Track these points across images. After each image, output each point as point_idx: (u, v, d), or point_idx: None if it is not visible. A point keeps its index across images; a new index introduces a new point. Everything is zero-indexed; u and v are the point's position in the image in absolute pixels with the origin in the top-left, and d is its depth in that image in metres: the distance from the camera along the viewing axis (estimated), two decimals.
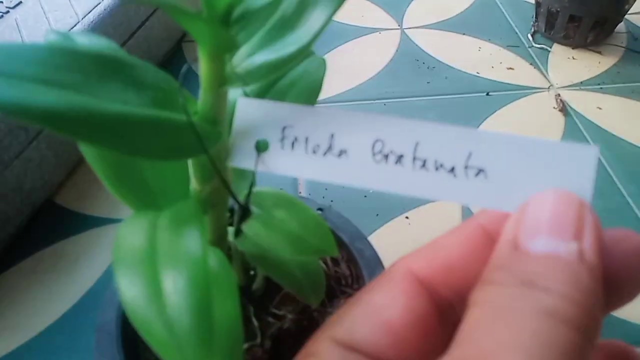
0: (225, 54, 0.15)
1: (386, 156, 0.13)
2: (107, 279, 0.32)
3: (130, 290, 0.12)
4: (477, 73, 0.47)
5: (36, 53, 0.12)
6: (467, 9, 0.55)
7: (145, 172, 0.17)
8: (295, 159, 0.14)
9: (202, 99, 0.15)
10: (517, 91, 0.45)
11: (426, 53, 0.49)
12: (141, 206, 0.17)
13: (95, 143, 0.13)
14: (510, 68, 0.47)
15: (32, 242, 0.34)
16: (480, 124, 0.42)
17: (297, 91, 0.19)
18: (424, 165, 0.13)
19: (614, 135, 0.40)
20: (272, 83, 0.19)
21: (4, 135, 0.31)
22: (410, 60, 0.49)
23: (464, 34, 0.52)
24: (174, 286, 0.11)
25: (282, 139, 0.14)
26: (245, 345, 0.20)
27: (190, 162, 0.16)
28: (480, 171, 0.13)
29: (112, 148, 0.13)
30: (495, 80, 0.46)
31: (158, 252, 0.13)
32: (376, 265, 0.23)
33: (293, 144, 0.14)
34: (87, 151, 0.16)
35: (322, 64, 0.19)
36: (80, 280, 0.32)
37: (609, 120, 0.42)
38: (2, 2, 0.41)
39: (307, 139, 0.14)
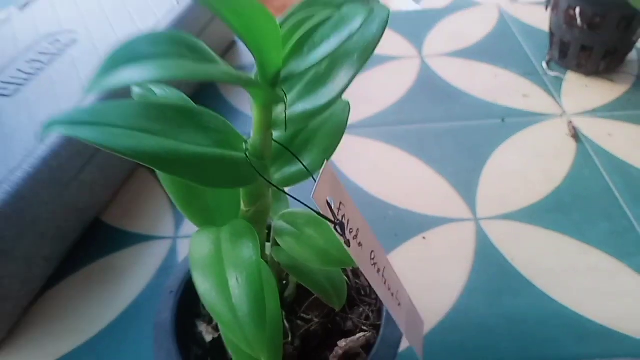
0: (273, 106, 0.18)
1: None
2: (150, 291, 0.35)
3: (204, 284, 0.16)
4: (493, 100, 0.49)
5: (134, 108, 0.17)
6: (484, 37, 0.58)
7: (207, 197, 0.21)
8: None
9: (253, 139, 0.19)
10: (531, 117, 0.47)
11: (444, 80, 0.52)
12: (203, 223, 0.21)
13: (176, 175, 0.17)
14: (526, 95, 0.50)
15: (84, 256, 0.38)
16: (495, 149, 0.44)
17: (325, 131, 0.22)
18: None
19: (623, 161, 0.42)
20: (306, 124, 0.23)
21: (65, 160, 0.35)
22: (430, 87, 0.51)
23: (481, 61, 0.54)
24: (237, 282, 0.16)
25: None
26: None
27: (241, 189, 0.20)
28: None
29: (188, 179, 0.17)
30: (510, 107, 0.48)
31: (223, 257, 0.17)
32: None
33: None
34: (165, 180, 0.21)
35: (347, 107, 0.22)
36: (126, 291, 0.35)
37: (619, 146, 0.44)
38: (58, 40, 0.45)
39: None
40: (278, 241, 0.22)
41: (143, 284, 0.36)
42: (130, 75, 0.14)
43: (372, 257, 0.20)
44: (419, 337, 0.25)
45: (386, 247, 0.35)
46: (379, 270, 0.21)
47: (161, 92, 0.21)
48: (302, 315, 0.25)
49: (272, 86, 0.17)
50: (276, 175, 0.21)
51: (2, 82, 0.41)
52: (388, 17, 0.18)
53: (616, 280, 0.34)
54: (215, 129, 0.18)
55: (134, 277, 0.36)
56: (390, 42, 0.58)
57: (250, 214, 0.21)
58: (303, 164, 0.20)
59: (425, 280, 0.35)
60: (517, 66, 0.53)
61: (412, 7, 0.89)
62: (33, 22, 0.48)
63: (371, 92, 0.51)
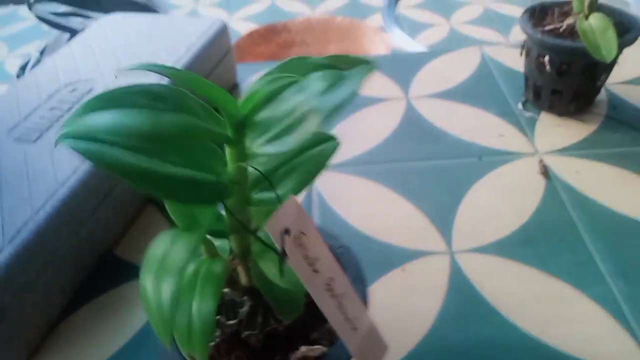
0: (241, 147, 0.22)
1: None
2: None
3: (144, 282, 0.21)
4: (472, 139, 0.54)
5: (127, 128, 0.19)
6: (466, 79, 0.63)
7: (193, 209, 0.25)
8: None
9: (229, 168, 0.23)
10: (506, 156, 0.51)
11: (428, 121, 0.57)
12: (185, 227, 0.25)
13: (155, 192, 0.20)
14: (502, 134, 0.54)
15: (97, 287, 0.42)
16: (472, 186, 0.48)
17: (307, 166, 0.25)
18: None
19: (587, 197, 0.46)
20: (290, 158, 0.26)
21: (82, 200, 0.40)
22: (414, 127, 0.56)
23: (462, 102, 0.59)
24: (164, 287, 0.20)
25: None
26: (247, 333, 0.27)
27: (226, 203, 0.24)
28: None
29: (160, 195, 0.21)
30: (487, 146, 0.53)
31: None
32: (364, 302, 0.28)
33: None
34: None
35: (334, 149, 0.26)
36: (136, 320, 0.39)
37: (585, 183, 0.48)
38: (76, 89, 0.50)
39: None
40: (255, 256, 0.26)
41: None
42: (92, 120, 0.19)
43: (329, 283, 0.24)
44: None
45: (369, 278, 0.39)
46: (333, 296, 0.24)
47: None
48: (277, 314, 0.28)
49: (236, 131, 0.22)
50: (255, 197, 0.25)
51: (27, 128, 0.46)
52: (357, 88, 0.21)
53: (575, 308, 0.38)
54: (201, 153, 0.22)
55: (141, 308, 0.40)
56: (380, 85, 0.63)
57: (231, 225, 0.25)
58: (276, 193, 0.24)
59: (403, 308, 0.39)
60: (495, 107, 0.58)
61: (408, 41, 0.94)
62: (55, 70, 0.54)
63: (360, 131, 0.56)
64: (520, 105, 0.57)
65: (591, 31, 0.47)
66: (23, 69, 0.82)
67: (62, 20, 0.80)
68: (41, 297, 0.38)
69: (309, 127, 0.21)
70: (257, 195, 0.24)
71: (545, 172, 0.49)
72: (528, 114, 0.56)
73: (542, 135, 0.54)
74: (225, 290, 0.29)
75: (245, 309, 0.28)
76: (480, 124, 0.56)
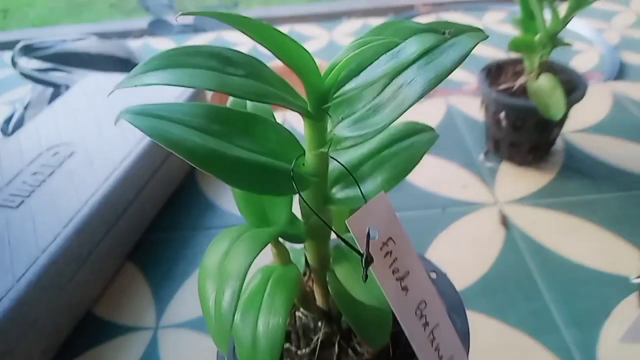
0: (322, 126, 0.19)
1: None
2: None
3: (201, 283, 0.20)
4: (437, 190, 0.57)
5: (200, 109, 0.18)
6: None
7: (264, 204, 0.23)
8: None
9: (306, 156, 0.20)
10: (468, 207, 0.54)
11: None
12: (256, 224, 0.23)
13: (214, 175, 0.17)
14: (464, 185, 0.57)
15: (76, 348, 0.43)
16: (435, 237, 0.51)
17: (396, 160, 0.22)
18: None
19: (543, 246, 0.49)
20: (380, 149, 0.23)
21: (62, 266, 0.42)
22: None
23: (429, 153, 0.62)
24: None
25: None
26: None
27: (299, 201, 0.21)
28: None
29: (225, 181, 0.18)
30: (450, 197, 0.56)
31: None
32: (463, 339, 0.24)
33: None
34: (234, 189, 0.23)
35: (430, 141, 0.23)
36: None
37: (541, 232, 0.51)
38: (58, 152, 0.53)
39: None
40: (333, 267, 0.22)
41: None
42: (150, 79, 0.17)
43: (420, 307, 0.19)
44: None
45: None
46: (425, 325, 0.19)
47: (251, 105, 0.22)
48: (355, 345, 0.25)
49: (318, 107, 0.19)
50: (337, 195, 0.21)
51: (10, 194, 0.48)
52: (470, 49, 0.18)
53: (529, 356, 0.40)
54: (276, 141, 0.19)
55: None
56: None
57: (307, 228, 0.22)
58: (360, 190, 0.20)
59: None
60: (459, 157, 0.61)
61: None
62: (37, 134, 0.56)
63: None
64: (482, 156, 0.61)
65: (540, 92, 0.51)
66: (7, 122, 0.84)
67: (45, 76, 0.82)
68: None
69: (404, 103, 0.18)
70: (339, 193, 0.21)
71: (505, 222, 0.52)
72: (489, 164, 0.60)
73: (502, 185, 0.57)
74: (298, 314, 0.26)
75: (319, 335, 0.25)
76: (445, 174, 0.59)
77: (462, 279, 0.47)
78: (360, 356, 0.24)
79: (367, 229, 0.18)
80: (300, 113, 0.19)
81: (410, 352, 0.25)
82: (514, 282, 0.46)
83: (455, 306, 0.26)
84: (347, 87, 0.18)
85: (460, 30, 0.19)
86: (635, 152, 0.60)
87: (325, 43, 1.16)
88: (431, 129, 0.23)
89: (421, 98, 0.18)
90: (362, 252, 0.18)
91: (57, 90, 0.82)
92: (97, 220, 0.46)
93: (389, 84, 0.19)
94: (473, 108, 0.70)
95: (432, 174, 0.59)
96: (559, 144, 0.62)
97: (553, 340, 0.41)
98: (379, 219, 0.18)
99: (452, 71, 0.18)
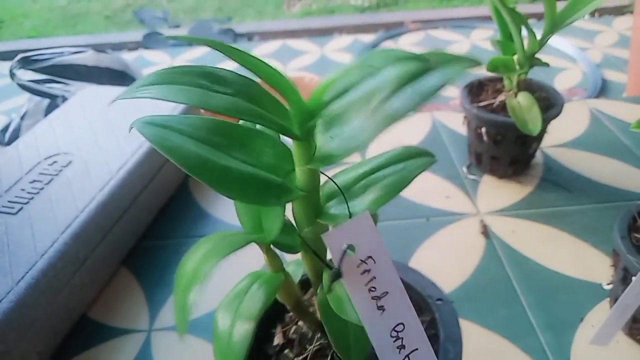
0: (308, 145, 0.21)
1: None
2: None
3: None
4: (421, 201, 0.59)
5: (204, 122, 0.20)
6: (418, 143, 0.69)
7: (260, 212, 0.24)
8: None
9: (297, 172, 0.21)
10: (451, 217, 0.57)
11: None
12: (253, 232, 0.24)
13: (208, 184, 0.19)
14: (448, 196, 0.60)
15: (72, 349, 0.45)
16: (419, 246, 0.53)
17: (386, 182, 0.23)
18: None
19: (522, 254, 0.52)
20: (374, 170, 0.24)
21: (60, 270, 0.44)
22: None
23: None
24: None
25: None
26: None
27: (293, 209, 0.23)
28: None
29: (219, 190, 0.19)
30: (434, 208, 0.58)
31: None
32: None
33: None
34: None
35: (425, 165, 0.25)
36: None
37: (520, 241, 0.53)
38: (56, 161, 0.55)
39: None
40: (330, 285, 0.23)
41: None
42: (145, 93, 0.18)
43: (397, 329, 0.19)
44: None
45: None
46: (401, 348, 0.19)
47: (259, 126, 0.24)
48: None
49: (302, 127, 0.20)
50: (329, 211, 0.22)
51: (9, 201, 0.50)
52: (452, 78, 0.19)
53: (506, 359, 0.42)
54: (271, 155, 0.21)
55: None
56: None
57: (301, 241, 0.23)
58: (347, 206, 0.21)
59: None
60: (443, 170, 0.64)
61: None
62: (35, 144, 0.58)
63: None
64: (464, 169, 0.63)
65: (519, 108, 0.54)
66: (4, 132, 0.86)
67: (41, 88, 0.84)
68: None
69: (385, 122, 0.19)
70: (331, 209, 0.22)
71: (486, 231, 0.55)
72: (472, 177, 0.62)
73: (483, 196, 0.59)
74: (299, 323, 0.27)
75: (313, 346, 0.25)
76: (429, 186, 0.61)
77: (444, 285, 0.49)
78: None
79: (344, 245, 0.18)
80: (283, 134, 0.20)
81: None
82: (493, 289, 0.48)
83: (453, 337, 0.27)
84: (331, 107, 0.20)
85: (449, 59, 0.20)
86: (611, 166, 0.63)
87: (317, 57, 1.19)
88: (430, 153, 0.24)
89: (401, 117, 0.19)
90: (335, 266, 0.18)
91: (54, 101, 0.84)
92: (93, 226, 0.48)
93: (370, 105, 0.20)
94: (457, 123, 0.72)
95: (417, 185, 0.61)
96: (538, 157, 0.65)
97: (529, 343, 0.43)
98: (361, 236, 0.18)
99: (432, 95, 0.19)
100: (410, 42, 1.26)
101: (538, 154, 0.64)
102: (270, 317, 0.29)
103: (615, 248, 0.41)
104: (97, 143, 0.57)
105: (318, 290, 0.23)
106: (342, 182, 0.23)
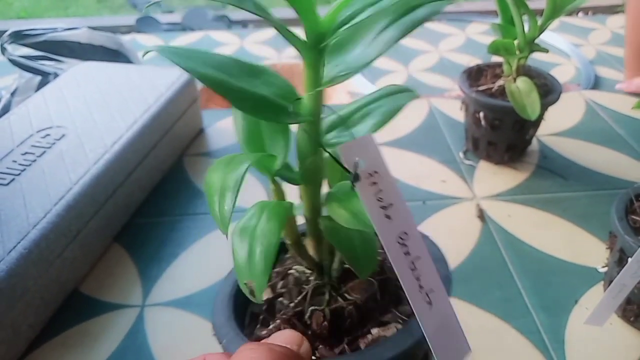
0: (318, 65, 0.23)
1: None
2: (119, 352, 0.42)
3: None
4: (417, 184, 0.59)
5: (218, 57, 0.22)
6: (415, 129, 0.69)
7: (264, 137, 0.27)
8: None
9: (303, 99, 0.23)
10: (447, 200, 0.57)
11: None
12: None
13: (228, 99, 0.21)
14: (444, 181, 0.60)
15: (63, 322, 0.44)
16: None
17: (381, 111, 0.26)
18: None
19: (517, 238, 0.52)
20: (368, 104, 0.27)
21: (52, 241, 0.43)
22: None
23: (410, 150, 0.65)
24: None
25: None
26: (311, 308, 0.26)
27: (296, 140, 0.25)
28: None
29: (236, 105, 0.22)
30: (430, 191, 0.58)
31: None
32: (445, 281, 0.26)
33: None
34: (237, 120, 0.27)
35: (409, 97, 0.27)
36: (100, 353, 0.42)
37: (516, 226, 0.53)
38: (49, 134, 0.54)
39: None
40: (324, 207, 0.25)
41: (114, 346, 0.42)
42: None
43: (402, 237, 0.21)
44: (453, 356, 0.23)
45: None
46: (407, 254, 0.21)
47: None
48: (345, 294, 0.27)
49: (315, 46, 0.22)
50: (332, 140, 0.24)
51: (1, 172, 0.49)
52: (434, 11, 0.22)
53: (503, 339, 0.43)
54: (278, 86, 0.23)
55: (106, 341, 0.43)
56: None
57: (302, 171, 0.25)
58: (350, 132, 0.24)
59: None
60: (439, 155, 0.64)
61: (368, 86, 1.01)
62: (28, 117, 0.57)
63: None
64: (461, 154, 0.63)
65: (518, 93, 0.54)
66: None
67: (33, 64, 0.83)
68: (8, 333, 0.40)
69: (383, 45, 0.21)
70: (333, 139, 0.25)
71: (482, 215, 0.55)
72: (468, 162, 0.62)
73: (480, 181, 0.59)
74: (291, 270, 0.28)
75: (310, 285, 0.27)
76: (425, 170, 0.61)
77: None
78: (349, 302, 0.26)
79: (356, 157, 0.20)
80: (299, 50, 0.22)
81: (395, 299, 0.27)
82: (488, 271, 0.49)
83: (438, 258, 0.30)
84: (342, 30, 0.21)
85: None
86: (605, 155, 0.64)
87: None
88: (410, 90, 0.27)
89: (395, 43, 0.21)
90: (351, 172, 0.20)
91: (45, 78, 0.82)
92: (86, 199, 0.47)
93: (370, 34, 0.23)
94: (454, 110, 0.72)
95: (414, 169, 0.62)
96: (534, 145, 0.65)
97: (524, 324, 0.44)
98: (367, 154, 0.20)
99: (420, 23, 0.22)
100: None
101: (534, 141, 0.64)
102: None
103: (612, 230, 0.42)
104: (91, 117, 0.56)
105: (320, 221, 0.25)
106: (341, 115, 0.26)
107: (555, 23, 1.38)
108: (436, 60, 1.11)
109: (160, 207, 0.57)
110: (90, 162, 0.50)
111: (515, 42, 0.56)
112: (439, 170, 0.61)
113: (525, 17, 0.54)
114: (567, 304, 0.45)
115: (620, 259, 0.41)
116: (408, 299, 0.22)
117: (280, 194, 0.27)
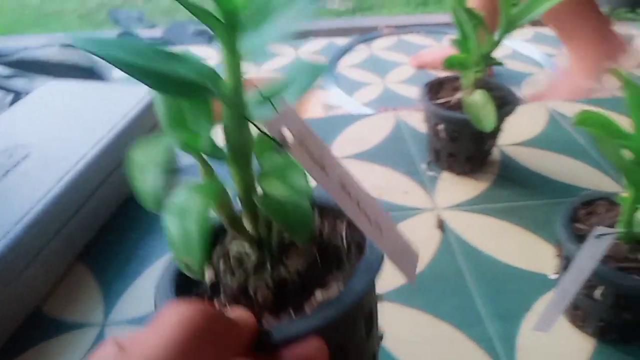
0: (235, 43, 0.24)
1: None
2: None
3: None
4: (380, 196, 0.60)
5: (134, 44, 0.23)
6: (381, 141, 0.70)
7: (187, 120, 0.27)
8: None
9: (224, 73, 0.24)
10: (409, 211, 0.58)
11: None
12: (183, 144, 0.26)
13: (147, 84, 0.22)
14: (406, 192, 0.61)
15: (23, 343, 0.45)
16: None
17: (297, 87, 0.27)
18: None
19: (474, 247, 0.53)
20: (285, 82, 0.27)
21: (11, 261, 0.43)
22: None
23: (375, 162, 0.66)
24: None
25: None
26: (255, 283, 0.27)
27: (223, 121, 0.25)
28: None
29: (155, 88, 0.23)
30: (393, 203, 0.59)
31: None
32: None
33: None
34: (156, 102, 0.28)
35: (322, 70, 0.28)
36: None
37: (474, 235, 0.54)
38: (12, 155, 0.54)
39: None
40: (257, 183, 0.26)
41: None
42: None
43: (343, 187, 0.23)
44: (410, 265, 0.28)
45: None
46: (349, 195, 0.23)
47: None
48: (286, 264, 0.28)
49: (229, 22, 0.23)
50: (257, 114, 0.25)
51: None
52: None
53: (456, 347, 0.44)
54: (197, 68, 0.24)
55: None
56: None
57: (229, 147, 0.26)
58: (272, 104, 0.24)
59: None
60: (403, 166, 0.65)
61: (345, 99, 1.02)
62: None
63: None
64: (424, 166, 0.65)
65: (474, 105, 0.56)
66: None
67: (6, 83, 0.83)
68: None
69: (299, 12, 0.23)
70: (256, 113, 0.25)
71: (441, 226, 0.56)
72: (431, 173, 0.63)
73: (441, 192, 0.61)
74: (231, 246, 0.29)
75: (252, 259, 0.27)
76: (389, 182, 0.63)
77: (399, 277, 0.50)
78: (290, 271, 0.27)
79: (283, 127, 0.21)
80: (214, 29, 0.23)
81: (337, 262, 0.28)
82: (445, 280, 0.50)
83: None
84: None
85: None
86: (566, 163, 0.65)
87: (291, 60, 1.20)
88: (322, 65, 0.28)
89: (307, 15, 0.22)
90: (273, 138, 0.21)
91: (18, 96, 0.83)
92: (48, 219, 0.48)
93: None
94: (420, 122, 0.74)
95: (378, 181, 0.63)
96: (495, 155, 0.66)
97: (477, 332, 0.45)
98: (292, 122, 0.21)
99: None
100: (383, 47, 1.28)
101: (495, 151, 0.66)
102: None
103: (558, 238, 0.43)
104: (57, 136, 0.57)
105: (255, 197, 0.26)
106: (262, 92, 0.26)
107: (530, 33, 1.40)
108: (412, 72, 1.12)
109: (125, 225, 0.57)
110: (53, 181, 0.50)
111: (471, 56, 0.57)
112: (402, 182, 0.63)
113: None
114: (520, 311, 0.46)
115: (566, 266, 0.43)
116: (364, 232, 0.24)
117: (210, 173, 0.27)
